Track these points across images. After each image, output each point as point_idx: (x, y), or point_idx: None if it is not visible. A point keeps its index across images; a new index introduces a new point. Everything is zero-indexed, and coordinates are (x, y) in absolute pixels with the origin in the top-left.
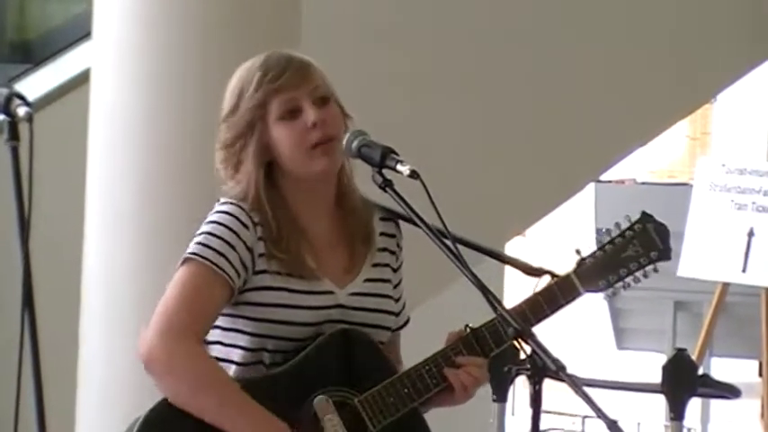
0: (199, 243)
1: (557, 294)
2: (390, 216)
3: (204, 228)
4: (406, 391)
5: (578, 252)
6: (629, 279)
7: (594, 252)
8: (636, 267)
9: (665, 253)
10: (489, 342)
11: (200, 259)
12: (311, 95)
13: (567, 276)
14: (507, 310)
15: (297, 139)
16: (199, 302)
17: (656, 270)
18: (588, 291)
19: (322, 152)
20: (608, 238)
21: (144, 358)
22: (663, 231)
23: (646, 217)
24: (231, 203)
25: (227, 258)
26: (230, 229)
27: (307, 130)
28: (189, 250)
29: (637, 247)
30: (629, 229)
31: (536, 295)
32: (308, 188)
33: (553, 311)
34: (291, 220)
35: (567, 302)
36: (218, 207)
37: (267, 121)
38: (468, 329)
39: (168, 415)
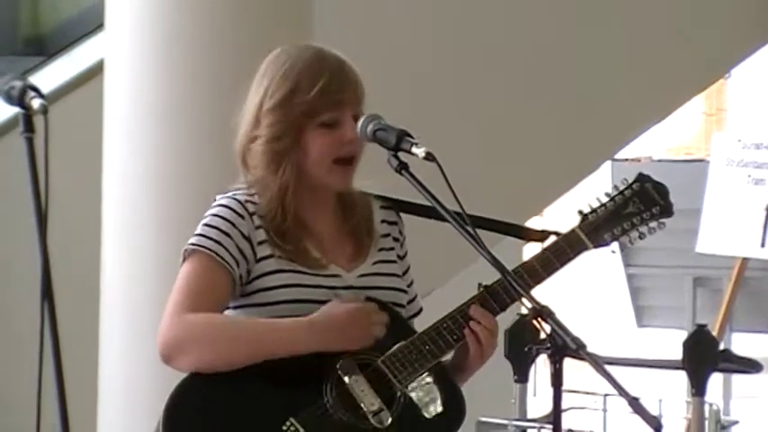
0: (196, 235)
1: (564, 248)
2: (390, 205)
3: (202, 221)
4: (427, 347)
5: (580, 212)
6: (633, 233)
7: (596, 209)
8: (639, 221)
9: (667, 208)
10: (503, 297)
11: (200, 248)
12: (353, 111)
13: (573, 231)
14: (527, 291)
15: (329, 149)
16: (200, 288)
17: (661, 226)
18: (595, 245)
19: (343, 171)
20: (606, 198)
21: (161, 351)
22: (661, 189)
23: (642, 177)
24: (227, 197)
25: (224, 246)
26: (225, 219)
27: (340, 144)
28: (188, 242)
29: (638, 204)
30: (627, 188)
31: (544, 251)
32: (315, 188)
33: (562, 264)
34: (297, 217)
35: (575, 255)
36: (214, 203)
37: (312, 125)
38: (482, 287)
39: (192, 391)
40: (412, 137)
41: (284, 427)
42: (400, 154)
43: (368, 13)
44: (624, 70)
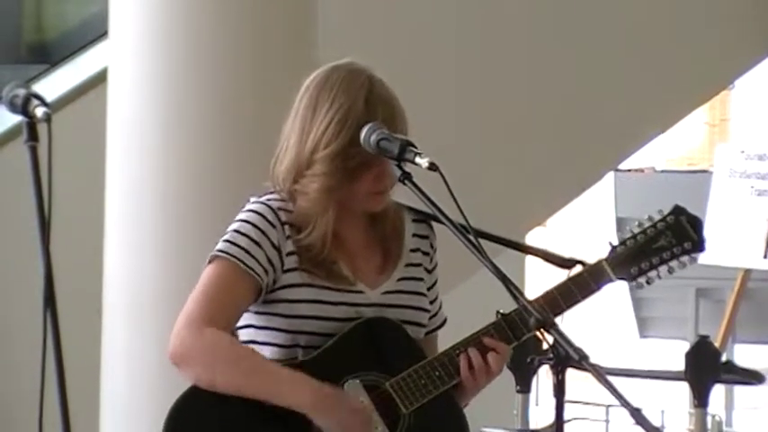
0: (225, 241)
1: (587, 280)
2: (423, 218)
3: (232, 226)
4: (437, 373)
5: (611, 244)
6: (662, 268)
7: (625, 240)
8: (669, 257)
9: (699, 244)
10: (520, 326)
11: (226, 256)
12: None
13: (599, 263)
14: (529, 301)
15: (371, 186)
16: (222, 297)
17: (692, 261)
18: (620, 278)
19: (379, 198)
20: (639, 229)
21: (172, 355)
22: (696, 223)
23: (678, 209)
24: (260, 203)
25: (252, 256)
26: (257, 227)
27: (378, 179)
28: (216, 248)
29: (669, 238)
30: (661, 220)
31: (567, 281)
32: (350, 207)
33: (584, 297)
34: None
35: (598, 288)
36: (247, 206)
37: (364, 170)
38: (500, 315)
39: (196, 402)
40: (415, 147)
41: None
42: (404, 164)
43: (370, 18)
44: (628, 81)
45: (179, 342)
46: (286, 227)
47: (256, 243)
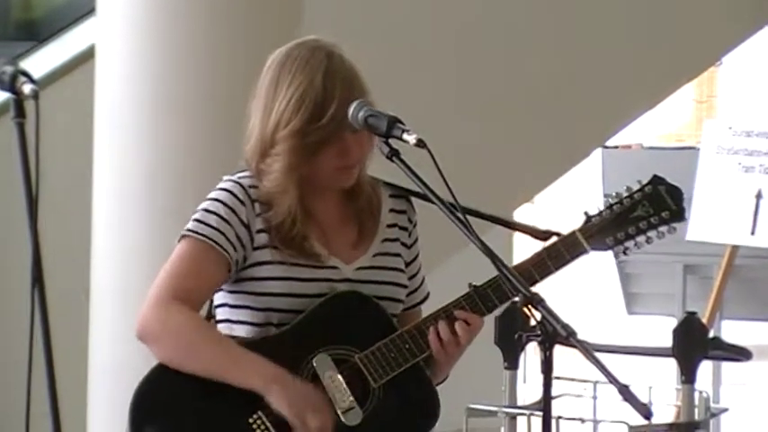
0: (194, 220)
1: (561, 251)
2: (400, 193)
3: (202, 205)
4: (407, 346)
5: (586, 214)
6: (640, 238)
7: (601, 211)
8: (646, 226)
9: (678, 213)
10: (492, 298)
11: (195, 235)
12: None
13: (572, 233)
14: (517, 277)
15: (333, 161)
16: (190, 275)
17: (671, 231)
18: (595, 248)
19: (346, 174)
20: (615, 199)
21: (137, 330)
22: (675, 193)
23: (657, 179)
24: (231, 181)
25: (221, 233)
26: (226, 204)
27: (341, 154)
28: (186, 227)
29: (647, 208)
30: (638, 191)
31: (540, 252)
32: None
33: (558, 268)
34: (300, 206)
35: (572, 258)
36: (219, 184)
37: (324, 146)
38: (472, 287)
39: (162, 379)
40: (403, 123)
41: (251, 420)
42: (391, 140)
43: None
44: (616, 57)
45: (143, 319)
46: (256, 204)
47: (225, 221)
